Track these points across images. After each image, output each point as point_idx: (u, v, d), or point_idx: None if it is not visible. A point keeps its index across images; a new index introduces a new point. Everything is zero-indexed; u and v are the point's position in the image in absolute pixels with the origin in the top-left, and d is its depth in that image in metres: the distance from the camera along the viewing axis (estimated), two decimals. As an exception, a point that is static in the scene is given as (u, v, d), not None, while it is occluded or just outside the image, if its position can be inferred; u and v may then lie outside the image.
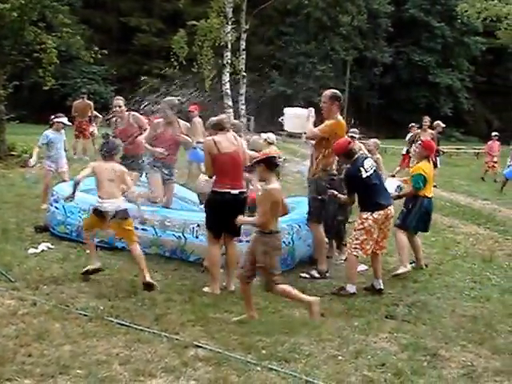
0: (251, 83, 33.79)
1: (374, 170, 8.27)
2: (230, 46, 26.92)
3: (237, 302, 7.29)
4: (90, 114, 21.03)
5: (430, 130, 15.89)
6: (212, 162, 7.74)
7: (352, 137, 12.20)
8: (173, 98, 10.33)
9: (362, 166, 8.13)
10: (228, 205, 7.64)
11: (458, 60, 57.25)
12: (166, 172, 10.08)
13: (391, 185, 9.64)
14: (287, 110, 9.94)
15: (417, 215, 9.40)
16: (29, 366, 5.28)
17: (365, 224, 8.01)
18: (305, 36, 54.25)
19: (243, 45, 28.07)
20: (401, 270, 9.00)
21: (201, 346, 5.88)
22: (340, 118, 8.95)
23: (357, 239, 8.05)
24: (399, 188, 9.80)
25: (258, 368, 5.49)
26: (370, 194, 8.13)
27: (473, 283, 8.96)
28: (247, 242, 8.47)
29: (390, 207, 8.27)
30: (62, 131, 12.54)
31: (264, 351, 5.88)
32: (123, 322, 6.38)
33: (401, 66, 56.68)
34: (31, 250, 9.05)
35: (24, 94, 40.18)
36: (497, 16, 36.06)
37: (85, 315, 6.58)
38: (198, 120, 15.44)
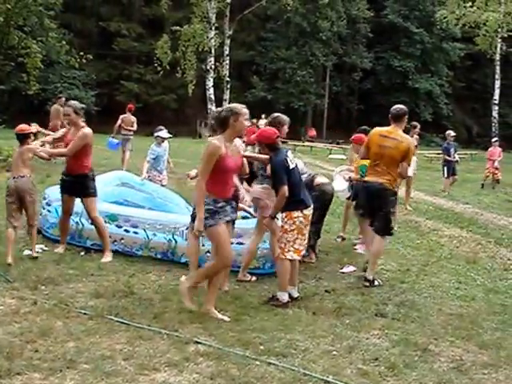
0: (232, 88, 33.95)
1: (296, 165, 7.81)
2: (213, 51, 27.05)
3: (231, 302, 7.48)
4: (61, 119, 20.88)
5: (416, 136, 16.17)
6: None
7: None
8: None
9: (287, 157, 7.64)
10: None
11: (437, 65, 57.90)
12: None
13: (341, 178, 10.75)
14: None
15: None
16: (36, 361, 5.43)
17: (296, 223, 7.54)
18: (285, 41, 54.64)
19: (227, 50, 28.20)
20: (360, 251, 10.63)
21: (201, 342, 6.06)
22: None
23: (288, 241, 7.58)
24: (349, 178, 10.67)
25: (257, 362, 5.68)
26: (295, 189, 7.57)
27: (458, 283, 9.21)
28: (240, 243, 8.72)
29: (311, 208, 7.85)
30: (163, 144, 12.85)
31: (262, 347, 6.07)
32: (124, 321, 6.54)
33: (380, 72, 57.21)
34: (26, 252, 9.17)
35: (4, 99, 40.09)
36: (475, 22, 36.69)
37: (85, 314, 6.73)
38: (123, 116, 20.17)
